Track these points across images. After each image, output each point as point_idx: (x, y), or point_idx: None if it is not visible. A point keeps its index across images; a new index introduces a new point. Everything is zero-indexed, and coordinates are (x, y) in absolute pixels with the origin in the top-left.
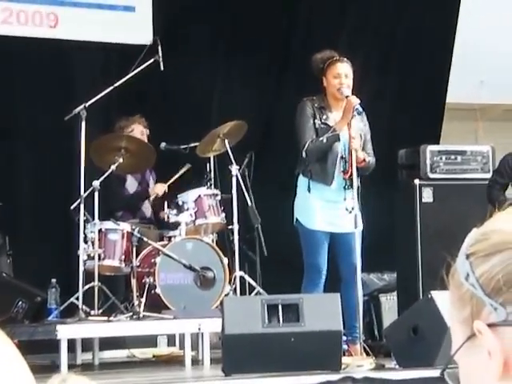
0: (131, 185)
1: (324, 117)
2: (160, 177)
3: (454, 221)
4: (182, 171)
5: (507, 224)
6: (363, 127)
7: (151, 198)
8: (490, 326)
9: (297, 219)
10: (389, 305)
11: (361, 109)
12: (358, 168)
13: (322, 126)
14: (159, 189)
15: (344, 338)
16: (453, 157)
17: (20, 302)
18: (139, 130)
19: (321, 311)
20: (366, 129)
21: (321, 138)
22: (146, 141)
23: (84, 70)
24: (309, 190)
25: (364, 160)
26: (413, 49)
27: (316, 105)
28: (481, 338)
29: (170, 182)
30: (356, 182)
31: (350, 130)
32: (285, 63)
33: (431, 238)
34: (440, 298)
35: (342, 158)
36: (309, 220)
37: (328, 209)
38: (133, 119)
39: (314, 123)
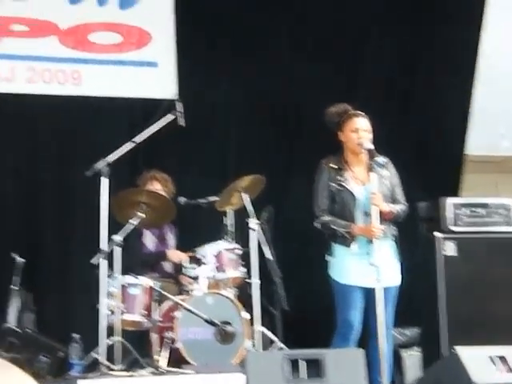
0: (150, 240)
1: (340, 178)
2: (180, 231)
3: (478, 274)
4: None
5: None
6: (388, 175)
7: (168, 263)
8: None
9: (330, 274)
10: (411, 360)
11: (382, 162)
12: (387, 220)
13: (339, 188)
14: (177, 257)
15: None
16: (476, 209)
17: (43, 357)
18: (154, 188)
19: (344, 366)
20: (393, 175)
21: (335, 227)
22: (167, 195)
23: (107, 125)
24: (333, 249)
25: (391, 211)
26: (431, 100)
27: (333, 166)
28: None
29: (190, 253)
30: (390, 232)
31: (371, 185)
32: (299, 114)
33: (455, 292)
34: (465, 353)
35: (365, 213)
36: (340, 274)
37: (357, 264)
38: (150, 175)
39: (330, 186)
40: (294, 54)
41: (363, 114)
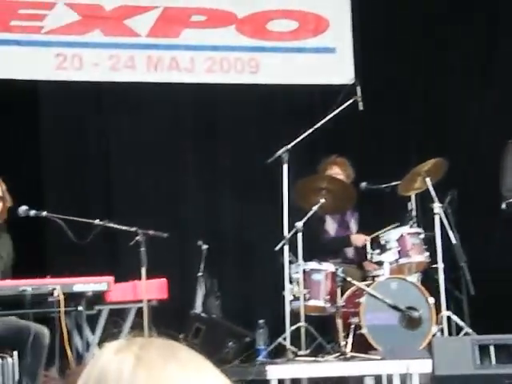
0: (331, 226)
1: None
2: (362, 217)
3: None
4: (388, 228)
5: None
6: None
7: (351, 248)
8: None
9: None
10: None
11: None
12: None
13: None
14: (360, 241)
15: None
16: None
17: (230, 343)
18: (334, 172)
19: None
20: None
21: None
22: (346, 179)
23: (285, 112)
24: None
25: None
26: None
27: None
28: None
29: (373, 235)
30: None
31: None
32: (483, 98)
33: None
34: None
35: None
36: None
37: None
38: (329, 161)
39: None
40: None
41: None
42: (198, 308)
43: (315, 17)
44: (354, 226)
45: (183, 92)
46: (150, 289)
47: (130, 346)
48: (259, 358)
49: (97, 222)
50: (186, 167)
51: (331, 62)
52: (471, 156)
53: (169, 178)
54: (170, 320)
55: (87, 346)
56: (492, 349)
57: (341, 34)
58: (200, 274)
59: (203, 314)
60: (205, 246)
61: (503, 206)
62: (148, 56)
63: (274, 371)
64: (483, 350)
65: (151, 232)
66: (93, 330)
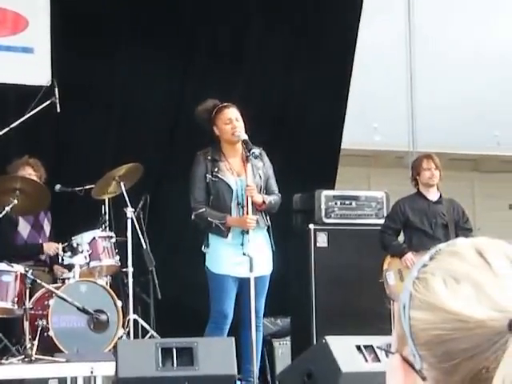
0: (24, 228)
1: (216, 169)
2: (55, 219)
3: (348, 265)
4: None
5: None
6: (262, 166)
7: (43, 255)
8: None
9: (205, 264)
10: (282, 350)
11: (257, 152)
12: (260, 210)
13: (214, 179)
14: (52, 249)
15: (238, 382)
16: (347, 202)
17: None
18: (27, 173)
19: (215, 355)
20: (267, 166)
21: (211, 219)
22: (39, 180)
23: None
24: (209, 240)
25: (264, 202)
26: (309, 94)
27: (209, 157)
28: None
29: (66, 244)
30: (263, 222)
31: (246, 177)
32: (180, 106)
33: (325, 283)
34: (334, 342)
35: (238, 204)
36: (214, 265)
37: (231, 254)
38: (21, 162)
39: (206, 177)
40: (171, 42)
41: (232, 104)
42: None
43: (14, 15)
44: (47, 227)
45: None
46: None
47: None
48: None
49: None
50: None
51: (29, 62)
52: (167, 162)
53: None
54: None
55: None
56: (174, 351)
57: (39, 35)
58: None
59: None
60: None
61: (193, 217)
62: None
63: None
64: (166, 352)
65: None
66: None
